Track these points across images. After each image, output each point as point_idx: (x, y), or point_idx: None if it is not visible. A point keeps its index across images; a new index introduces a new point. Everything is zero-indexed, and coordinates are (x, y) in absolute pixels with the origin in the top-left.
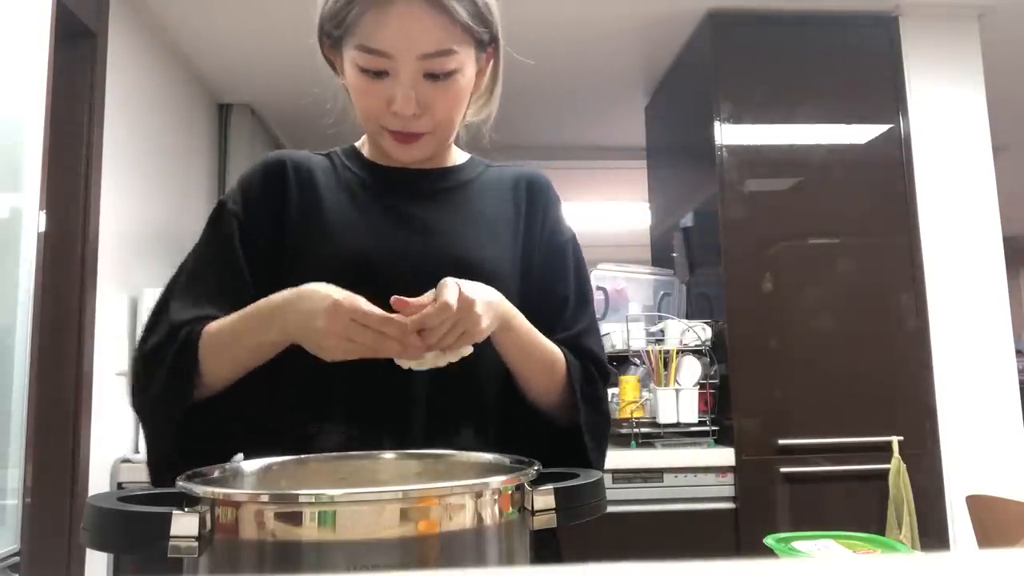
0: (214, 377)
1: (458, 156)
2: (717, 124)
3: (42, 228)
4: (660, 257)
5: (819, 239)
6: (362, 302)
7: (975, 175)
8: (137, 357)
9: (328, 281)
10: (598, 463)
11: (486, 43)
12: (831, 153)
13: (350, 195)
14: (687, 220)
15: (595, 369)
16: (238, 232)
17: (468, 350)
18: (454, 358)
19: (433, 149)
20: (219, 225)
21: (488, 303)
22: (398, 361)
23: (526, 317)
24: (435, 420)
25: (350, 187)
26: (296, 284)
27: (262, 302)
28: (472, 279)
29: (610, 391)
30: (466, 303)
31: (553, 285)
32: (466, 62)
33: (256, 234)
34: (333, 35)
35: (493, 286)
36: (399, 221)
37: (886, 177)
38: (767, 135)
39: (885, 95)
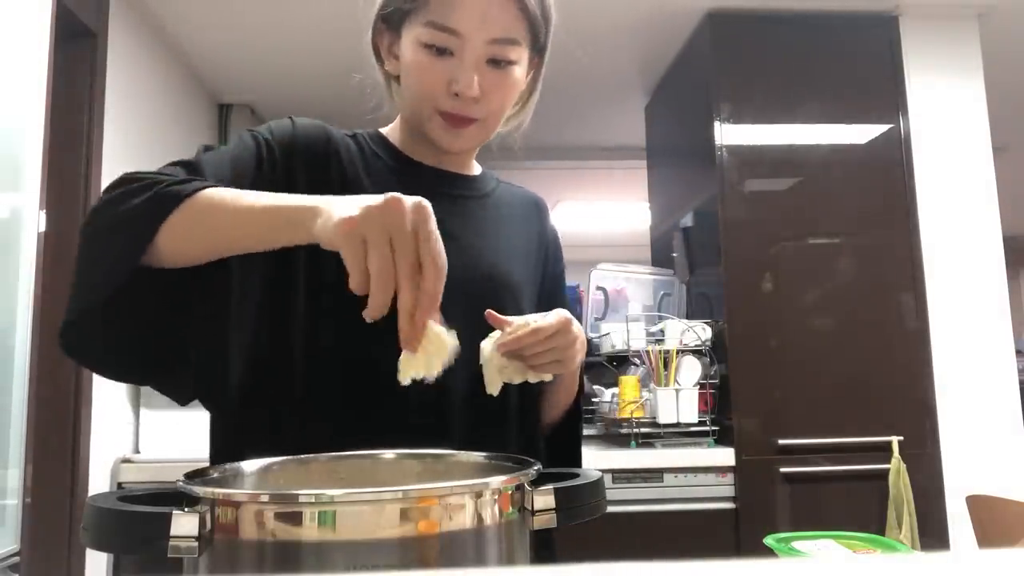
0: (180, 244)
1: (476, 166)
2: (717, 124)
3: (42, 228)
4: (660, 257)
5: (819, 239)
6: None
7: (975, 175)
8: (111, 185)
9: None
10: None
11: (540, 46)
12: (831, 153)
13: (378, 183)
14: (687, 220)
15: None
16: (259, 152)
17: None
18: (432, 374)
19: (478, 141)
20: (240, 143)
21: (581, 340)
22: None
23: None
24: (469, 435)
25: (378, 174)
26: (309, 264)
27: (290, 197)
28: (499, 292)
29: (610, 391)
30: (567, 327)
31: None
32: (523, 57)
33: (277, 169)
34: (401, 9)
35: (517, 300)
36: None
37: (886, 177)
38: (767, 135)
39: (885, 95)
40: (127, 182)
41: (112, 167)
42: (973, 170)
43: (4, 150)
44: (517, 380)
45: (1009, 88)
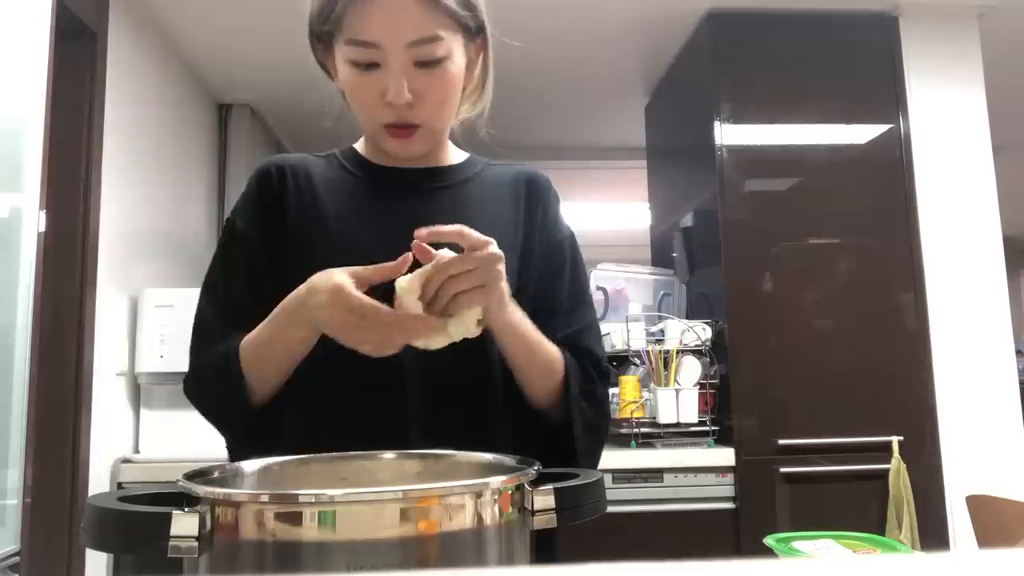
0: (264, 385)
1: (456, 155)
2: (717, 124)
3: (42, 228)
4: (660, 257)
5: (819, 239)
6: (352, 294)
7: (975, 175)
8: (189, 390)
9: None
10: (593, 462)
11: (474, 31)
12: (831, 153)
13: (350, 196)
14: (687, 220)
15: (593, 369)
16: (246, 247)
17: (477, 330)
18: (470, 333)
19: (430, 143)
20: (228, 243)
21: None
22: (414, 342)
23: (525, 314)
24: (434, 419)
25: (349, 188)
26: (287, 284)
27: (284, 302)
28: None
29: (610, 391)
30: (490, 250)
31: (550, 284)
32: (455, 49)
33: (261, 245)
34: (323, 33)
35: None
36: (399, 220)
37: (886, 177)
38: (767, 135)
39: (885, 95)
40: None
41: (112, 167)
42: (973, 170)
43: (4, 150)
44: (457, 337)
45: (1009, 88)
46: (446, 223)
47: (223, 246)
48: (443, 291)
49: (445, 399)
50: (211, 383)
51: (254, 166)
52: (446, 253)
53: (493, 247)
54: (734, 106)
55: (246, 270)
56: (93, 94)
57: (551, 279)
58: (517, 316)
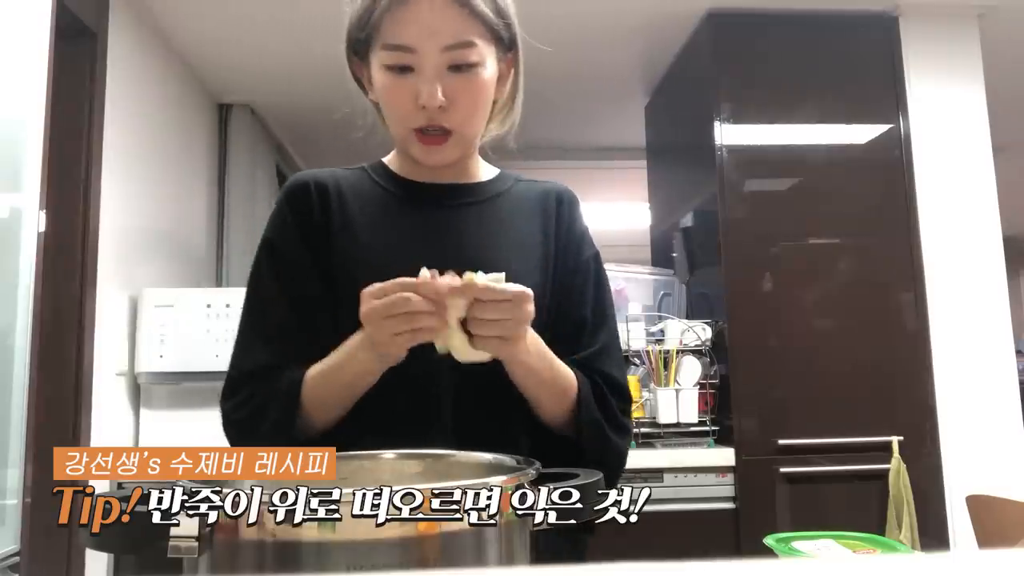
0: (324, 419)
1: (486, 171)
2: (717, 124)
3: (42, 228)
4: (660, 257)
5: (819, 239)
6: (378, 285)
7: (975, 175)
8: (233, 420)
9: (356, 298)
10: (612, 480)
11: (506, 42)
12: (831, 153)
13: (381, 210)
14: (687, 220)
15: (610, 391)
16: (291, 268)
17: (487, 357)
18: (480, 358)
19: (459, 151)
20: (270, 265)
21: (532, 336)
22: (440, 347)
23: (547, 333)
24: (464, 431)
25: (381, 202)
26: (334, 303)
27: (341, 346)
28: None
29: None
30: (525, 296)
31: (573, 303)
32: (487, 56)
33: (307, 264)
34: (360, 40)
35: None
36: (430, 235)
37: (886, 177)
38: (767, 135)
39: (885, 95)
40: (248, 399)
41: (112, 167)
42: (973, 170)
43: (4, 150)
44: (459, 351)
45: (1009, 88)
46: (475, 237)
47: (264, 269)
48: (471, 322)
49: (476, 405)
50: (270, 423)
51: (254, 166)
52: (481, 277)
53: (529, 304)
54: (734, 106)
55: (292, 292)
56: (93, 94)
57: (574, 297)
58: (532, 354)
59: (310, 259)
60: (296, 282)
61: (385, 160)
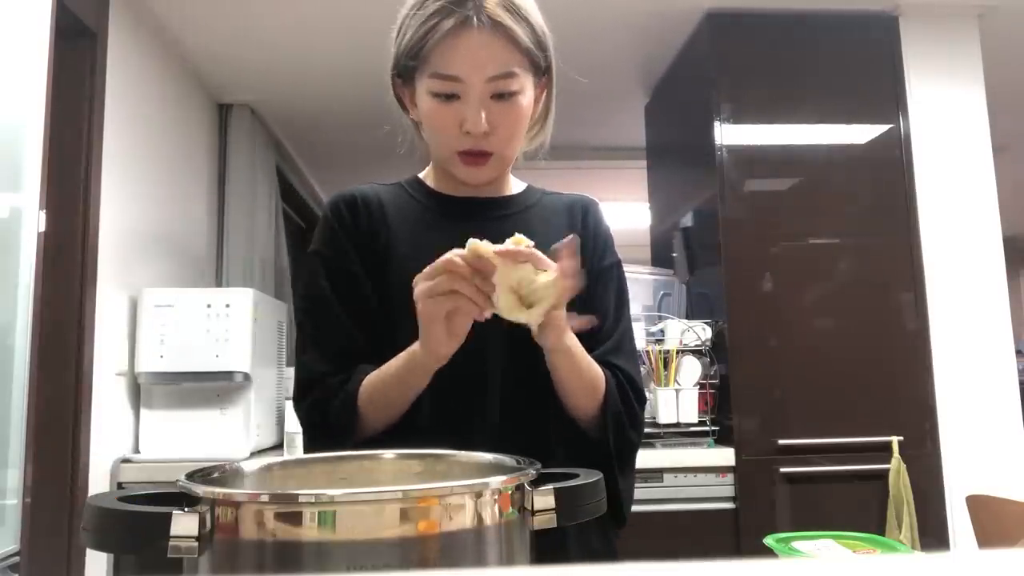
0: (382, 421)
1: (516, 185)
2: (717, 124)
3: (42, 228)
4: (660, 257)
5: (819, 239)
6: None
7: (975, 175)
8: (304, 423)
9: (401, 309)
10: (625, 482)
11: (542, 70)
12: (831, 153)
13: (423, 223)
14: (687, 220)
15: (631, 390)
16: (346, 281)
17: (535, 320)
18: (530, 319)
19: (498, 171)
20: (325, 277)
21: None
22: (494, 310)
23: None
24: (508, 435)
25: (419, 216)
26: (384, 314)
27: (400, 354)
28: None
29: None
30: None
31: (595, 307)
32: (526, 85)
33: (360, 276)
34: (408, 67)
35: None
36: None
37: (886, 177)
38: (767, 135)
39: (885, 95)
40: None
41: (112, 167)
42: (973, 170)
43: (4, 150)
44: (505, 310)
45: (1009, 88)
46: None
47: (319, 279)
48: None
49: (524, 406)
50: (333, 426)
51: (254, 166)
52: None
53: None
54: (734, 106)
55: (348, 301)
56: (93, 94)
57: (596, 302)
58: (574, 344)
59: (361, 269)
60: (351, 291)
61: (420, 176)
